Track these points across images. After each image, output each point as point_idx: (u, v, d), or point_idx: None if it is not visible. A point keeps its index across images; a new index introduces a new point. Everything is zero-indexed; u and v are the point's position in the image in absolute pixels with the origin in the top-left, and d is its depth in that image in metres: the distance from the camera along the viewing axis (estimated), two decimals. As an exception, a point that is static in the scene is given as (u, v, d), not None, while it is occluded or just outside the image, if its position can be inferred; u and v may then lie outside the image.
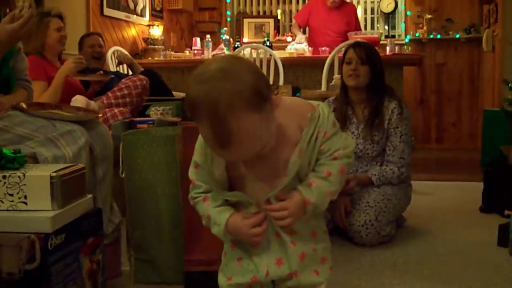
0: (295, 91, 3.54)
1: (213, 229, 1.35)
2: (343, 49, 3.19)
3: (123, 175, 2.32)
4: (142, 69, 4.44)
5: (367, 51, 2.98)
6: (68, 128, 2.07)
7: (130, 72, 4.69)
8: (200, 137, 1.31)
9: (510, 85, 3.62)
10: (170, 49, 6.27)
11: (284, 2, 7.84)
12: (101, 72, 3.88)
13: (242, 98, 1.11)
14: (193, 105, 1.14)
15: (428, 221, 3.27)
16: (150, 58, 5.96)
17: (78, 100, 3.28)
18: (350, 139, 1.35)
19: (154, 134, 2.27)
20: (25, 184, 1.52)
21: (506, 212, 2.98)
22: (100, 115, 2.59)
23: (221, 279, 1.41)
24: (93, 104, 3.36)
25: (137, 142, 2.26)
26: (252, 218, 1.30)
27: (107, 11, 5.50)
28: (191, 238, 2.19)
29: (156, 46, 6.13)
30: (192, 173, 1.36)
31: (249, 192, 1.31)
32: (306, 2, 6.91)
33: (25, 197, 1.52)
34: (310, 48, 5.50)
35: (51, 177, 1.52)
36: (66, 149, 2.01)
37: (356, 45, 3.04)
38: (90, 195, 1.72)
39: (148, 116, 3.17)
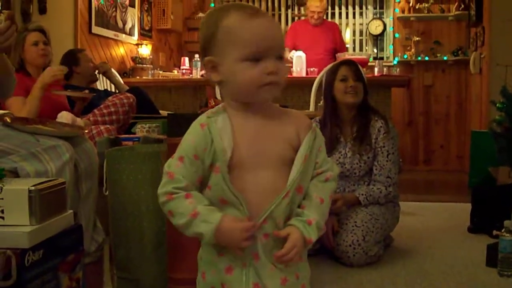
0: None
1: (199, 228, 1.21)
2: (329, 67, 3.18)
3: (107, 192, 2.28)
4: (126, 87, 4.40)
5: (358, 68, 2.98)
6: (52, 143, 2.02)
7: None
8: (194, 128, 1.26)
9: (498, 105, 3.62)
10: (158, 68, 6.25)
11: (274, 23, 7.84)
12: (86, 90, 3.84)
13: None
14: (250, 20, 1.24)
15: (416, 241, 3.24)
16: (138, 77, 5.93)
17: (64, 117, 3.24)
18: (335, 164, 1.35)
19: (139, 151, 2.25)
20: (2, 198, 1.47)
21: (494, 232, 2.96)
22: (86, 131, 2.54)
23: None
24: (79, 121, 3.33)
25: (121, 158, 2.23)
26: (244, 222, 1.22)
27: (96, 29, 5.47)
28: (175, 256, 2.14)
29: (145, 65, 6.10)
30: (171, 165, 1.25)
31: (249, 197, 1.24)
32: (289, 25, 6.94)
33: (2, 211, 1.47)
34: (299, 69, 5.50)
35: (30, 191, 1.48)
36: (50, 164, 1.96)
37: (348, 62, 3.04)
38: (70, 211, 1.67)
39: (134, 133, 3.15)
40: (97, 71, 4.32)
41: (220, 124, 1.25)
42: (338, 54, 5.51)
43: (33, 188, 1.49)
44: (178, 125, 2.11)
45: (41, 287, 1.47)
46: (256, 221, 1.23)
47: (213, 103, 2.56)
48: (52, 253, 1.53)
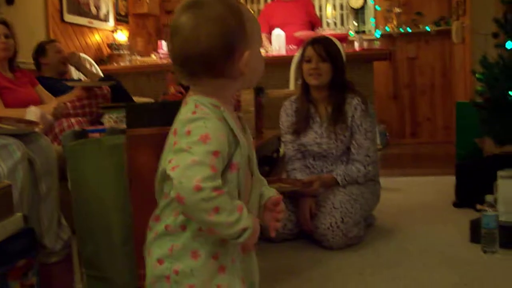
0: (258, 92, 3.39)
1: (248, 221, 1.14)
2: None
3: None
4: (99, 75, 4.30)
5: (327, 47, 2.86)
6: (3, 142, 1.93)
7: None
8: (215, 122, 1.16)
9: (477, 75, 3.53)
10: (136, 54, 6.11)
11: (252, 2, 7.68)
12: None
13: None
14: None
15: (400, 219, 3.17)
16: (115, 64, 5.81)
17: (32, 111, 3.13)
18: None
19: (101, 143, 2.14)
20: None
21: (478, 206, 2.89)
22: (41, 126, 2.41)
23: None
24: (49, 117, 3.21)
25: (81, 152, 2.12)
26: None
27: (68, 17, 5.33)
28: (144, 252, 2.06)
29: (122, 52, 5.98)
30: (211, 160, 1.12)
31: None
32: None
33: None
34: (277, 47, 5.38)
35: (-32, 197, 1.39)
36: (1, 165, 1.87)
37: (315, 41, 2.92)
38: (19, 214, 1.58)
39: (103, 124, 3.04)
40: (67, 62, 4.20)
41: (229, 117, 1.20)
42: (317, 30, 5.41)
43: (-29, 194, 1.40)
44: (137, 116, 2.02)
45: (-12, 297, 1.38)
46: None
47: (173, 90, 2.46)
48: (-1, 260, 1.44)
